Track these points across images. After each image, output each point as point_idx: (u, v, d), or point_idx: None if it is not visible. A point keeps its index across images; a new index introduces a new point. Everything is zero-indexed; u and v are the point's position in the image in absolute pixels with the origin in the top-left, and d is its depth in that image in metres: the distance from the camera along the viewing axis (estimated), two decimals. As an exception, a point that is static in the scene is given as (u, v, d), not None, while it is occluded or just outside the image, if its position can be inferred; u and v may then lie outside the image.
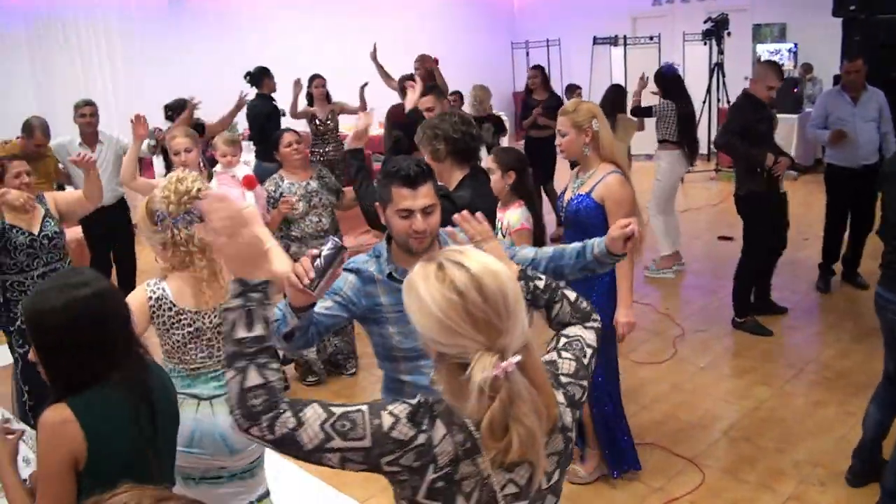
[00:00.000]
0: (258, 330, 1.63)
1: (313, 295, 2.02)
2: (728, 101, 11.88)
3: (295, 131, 5.41)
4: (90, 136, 6.52)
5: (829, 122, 6.45)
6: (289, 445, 1.57)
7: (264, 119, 8.21)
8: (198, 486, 3.04)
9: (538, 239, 3.96)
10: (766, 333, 5.91)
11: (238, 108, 7.58)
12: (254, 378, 1.58)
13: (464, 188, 3.52)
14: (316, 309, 2.37)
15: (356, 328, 5.51)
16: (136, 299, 2.88)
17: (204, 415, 2.97)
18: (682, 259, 7.60)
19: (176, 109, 7.05)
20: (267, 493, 3.29)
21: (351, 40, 12.15)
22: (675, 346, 5.82)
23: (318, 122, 8.29)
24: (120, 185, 6.03)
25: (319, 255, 2.01)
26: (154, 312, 2.92)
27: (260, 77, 8.25)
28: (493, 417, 1.48)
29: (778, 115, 6.15)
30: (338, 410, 1.58)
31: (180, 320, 2.94)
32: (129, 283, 7.16)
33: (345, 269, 2.59)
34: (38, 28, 10.62)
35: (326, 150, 8.18)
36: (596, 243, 2.58)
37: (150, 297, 2.91)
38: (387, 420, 1.57)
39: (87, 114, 6.54)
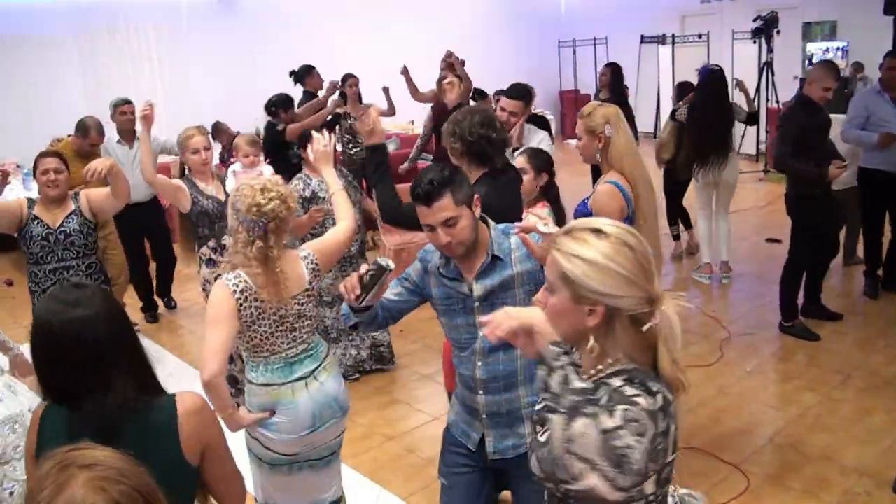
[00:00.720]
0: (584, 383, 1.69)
1: (360, 307, 2.32)
2: (777, 101, 11.73)
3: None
4: (129, 133, 6.67)
5: (870, 124, 6.24)
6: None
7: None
8: (291, 472, 3.16)
9: None
10: (814, 338, 5.83)
11: (325, 103, 7.62)
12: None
13: (479, 186, 3.45)
14: (387, 294, 2.73)
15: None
16: (222, 298, 2.93)
17: (314, 389, 3.09)
18: (721, 270, 7.41)
19: (279, 105, 7.14)
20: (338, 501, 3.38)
21: (398, 42, 12.22)
22: (721, 350, 5.77)
23: (350, 121, 8.29)
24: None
25: (366, 274, 2.35)
26: (241, 305, 2.94)
27: (304, 74, 8.30)
28: (668, 361, 1.62)
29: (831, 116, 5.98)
30: (609, 424, 1.55)
31: (265, 311, 2.99)
32: (167, 276, 7.41)
33: (420, 256, 2.84)
34: (88, 27, 10.79)
35: (357, 150, 8.17)
36: None
37: (235, 291, 2.94)
38: (642, 402, 1.57)
39: (126, 112, 6.71)
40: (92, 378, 1.89)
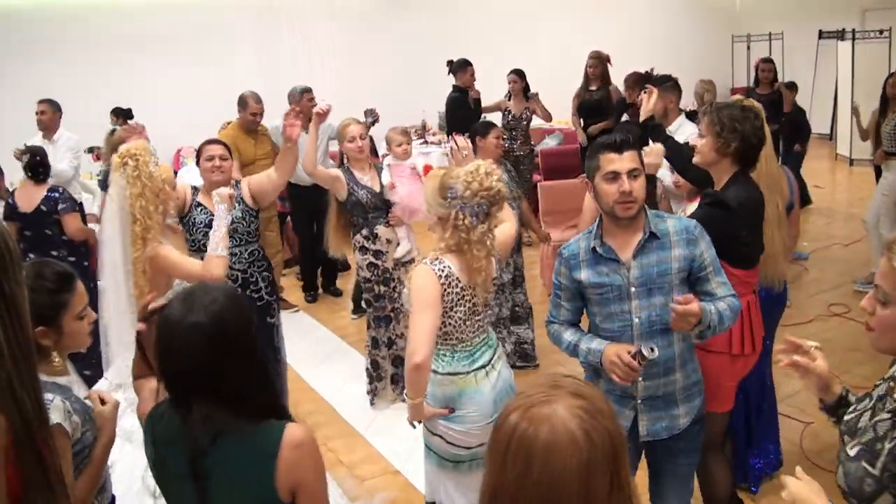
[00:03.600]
0: None
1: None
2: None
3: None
4: (304, 120, 6.93)
5: None
6: None
7: (454, 109, 8.51)
8: (472, 470, 3.23)
9: None
10: None
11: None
12: None
13: (732, 187, 3.37)
14: (563, 313, 3.03)
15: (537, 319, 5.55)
16: (429, 283, 3.01)
17: (494, 377, 3.18)
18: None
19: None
20: None
21: (564, 37, 12.14)
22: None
23: (510, 116, 8.29)
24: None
25: (640, 362, 2.65)
26: (445, 290, 3.03)
27: (458, 68, 8.41)
28: None
29: None
30: None
31: (463, 296, 3.09)
32: (332, 268, 7.77)
33: (558, 262, 2.98)
34: (263, 16, 11.17)
35: (514, 145, 8.16)
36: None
37: (440, 276, 3.03)
38: None
39: (312, 99, 7.04)
40: (190, 387, 1.89)
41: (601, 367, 2.79)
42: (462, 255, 3.05)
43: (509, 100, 8.37)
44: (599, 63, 8.12)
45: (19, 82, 9.28)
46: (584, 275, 2.87)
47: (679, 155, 3.99)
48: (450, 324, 3.10)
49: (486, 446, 3.07)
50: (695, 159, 3.49)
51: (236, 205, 4.47)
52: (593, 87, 8.15)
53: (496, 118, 7.63)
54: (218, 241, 3.58)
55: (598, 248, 2.84)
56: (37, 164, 5.56)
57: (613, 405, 2.75)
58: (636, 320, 2.82)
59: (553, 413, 1.35)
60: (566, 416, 1.35)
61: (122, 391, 3.14)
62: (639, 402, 2.89)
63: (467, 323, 3.14)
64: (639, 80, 6.93)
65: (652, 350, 2.61)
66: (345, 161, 5.37)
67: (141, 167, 3.40)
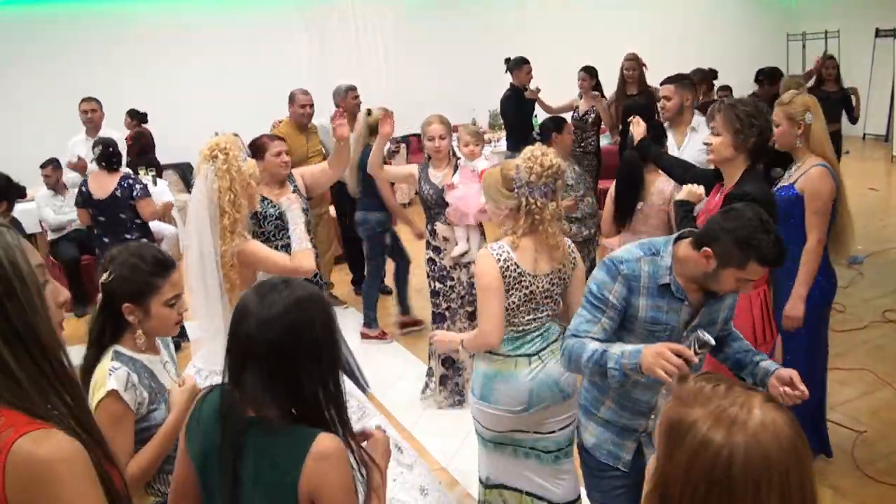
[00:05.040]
0: None
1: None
2: None
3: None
4: (351, 117, 7.01)
5: None
6: None
7: (509, 109, 8.51)
8: (517, 456, 3.36)
9: None
10: None
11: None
12: None
13: (749, 182, 3.46)
14: (597, 336, 2.65)
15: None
16: (490, 266, 3.15)
17: (536, 368, 3.21)
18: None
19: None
20: None
21: (617, 32, 12.06)
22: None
23: (576, 114, 8.24)
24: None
25: (697, 353, 2.40)
26: (503, 273, 3.16)
27: (515, 66, 8.37)
28: None
29: None
30: None
31: (521, 282, 3.18)
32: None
33: (609, 275, 2.66)
34: (315, 11, 11.28)
35: (581, 143, 8.12)
36: (766, 371, 2.67)
37: (499, 259, 3.16)
38: None
39: (357, 97, 7.17)
40: (244, 374, 1.88)
41: (638, 370, 2.46)
42: (537, 235, 3.17)
43: (580, 98, 8.30)
44: (637, 66, 7.86)
45: (55, 82, 9.54)
46: (643, 304, 2.64)
47: (675, 165, 4.13)
48: (505, 305, 3.22)
49: (526, 435, 3.17)
50: (709, 157, 3.58)
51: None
52: (633, 92, 7.85)
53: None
54: (301, 236, 3.68)
55: (672, 286, 2.62)
56: (110, 155, 6.17)
57: (615, 437, 2.81)
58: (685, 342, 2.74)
59: (765, 414, 1.32)
60: (768, 411, 1.32)
61: (209, 377, 3.25)
62: (643, 435, 2.84)
63: (521, 308, 3.22)
64: (702, 79, 6.94)
65: (709, 337, 2.42)
66: (427, 156, 5.38)
67: (231, 161, 3.45)
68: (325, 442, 1.85)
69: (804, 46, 15.53)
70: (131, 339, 2.46)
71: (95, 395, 2.32)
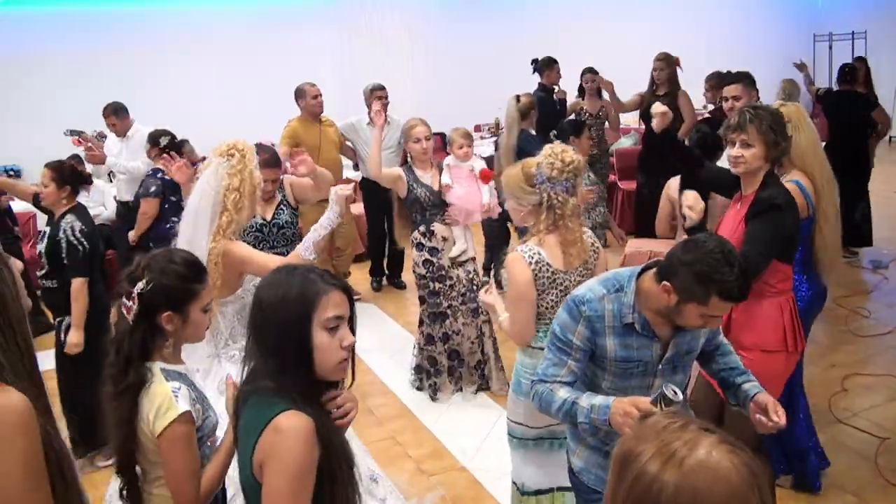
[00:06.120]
0: None
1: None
2: None
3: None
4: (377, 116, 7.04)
5: None
6: None
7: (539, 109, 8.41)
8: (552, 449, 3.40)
9: None
10: None
11: None
12: None
13: (772, 187, 3.41)
14: (563, 379, 2.56)
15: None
16: (521, 269, 3.19)
17: None
18: None
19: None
20: None
21: (643, 38, 11.99)
22: None
23: (586, 115, 8.13)
24: (399, 165, 6.39)
25: (660, 406, 2.20)
26: (536, 275, 3.20)
27: (544, 67, 8.33)
28: None
29: None
30: None
31: (555, 280, 3.22)
32: (398, 261, 7.94)
33: (571, 316, 2.56)
34: (341, 16, 11.27)
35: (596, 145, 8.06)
36: (747, 394, 2.63)
37: (530, 262, 3.19)
38: None
39: (382, 96, 7.13)
40: (254, 350, 1.99)
41: (607, 425, 2.38)
42: (559, 231, 3.21)
43: (583, 99, 8.31)
44: (666, 66, 7.53)
45: (77, 81, 9.63)
46: (610, 344, 2.53)
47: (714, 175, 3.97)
48: (542, 305, 3.27)
49: (563, 427, 3.17)
50: (738, 169, 3.43)
51: (284, 208, 4.53)
52: (661, 92, 7.56)
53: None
54: (311, 245, 3.59)
55: (636, 325, 2.50)
56: (176, 145, 6.11)
57: (601, 460, 2.69)
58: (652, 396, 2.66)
59: (707, 458, 1.26)
60: (721, 455, 1.26)
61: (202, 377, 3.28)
62: None
63: (559, 306, 3.18)
64: (722, 81, 6.82)
65: (675, 392, 2.19)
66: (409, 159, 5.48)
67: (246, 163, 3.48)
68: (288, 418, 1.86)
69: (831, 47, 15.40)
70: (163, 351, 2.36)
71: (162, 420, 2.23)
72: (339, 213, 3.63)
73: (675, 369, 2.61)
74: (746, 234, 3.30)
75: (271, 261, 3.42)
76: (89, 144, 6.96)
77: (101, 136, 7.69)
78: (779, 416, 2.46)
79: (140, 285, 2.28)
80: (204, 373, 3.40)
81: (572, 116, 7.62)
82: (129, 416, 2.26)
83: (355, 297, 2.12)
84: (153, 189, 6.04)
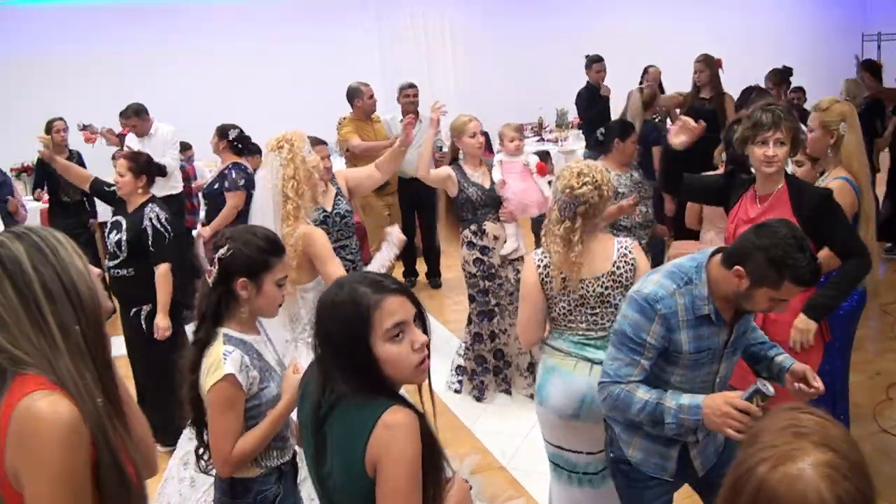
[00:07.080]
0: None
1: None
2: None
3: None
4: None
5: None
6: None
7: (581, 105, 8.60)
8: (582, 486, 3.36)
9: None
10: None
11: None
12: None
13: (797, 180, 3.51)
14: (635, 378, 2.59)
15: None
16: (529, 272, 3.28)
17: (595, 377, 2.94)
18: None
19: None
20: None
21: (690, 37, 11.88)
22: None
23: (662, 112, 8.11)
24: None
25: (756, 402, 2.30)
26: (543, 280, 3.22)
27: (592, 62, 8.43)
28: None
29: None
30: None
31: (566, 286, 3.21)
32: (434, 262, 8.03)
33: (644, 316, 2.56)
34: (385, 14, 11.29)
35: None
36: (781, 366, 2.68)
37: (539, 266, 3.23)
38: None
39: (409, 95, 7.36)
40: (323, 355, 1.99)
41: (700, 425, 2.47)
42: (569, 244, 3.17)
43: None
44: (706, 67, 7.26)
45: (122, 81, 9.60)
46: (685, 338, 2.55)
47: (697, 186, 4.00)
48: (556, 310, 3.26)
49: (578, 457, 3.20)
50: (769, 170, 3.38)
51: (341, 199, 4.55)
52: (704, 95, 7.31)
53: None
54: (377, 269, 3.72)
55: (711, 315, 2.54)
56: (244, 139, 6.25)
57: (662, 448, 2.73)
58: (717, 380, 2.71)
59: (802, 474, 1.22)
60: (816, 478, 1.21)
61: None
62: (691, 439, 2.75)
63: (575, 314, 3.22)
64: (781, 80, 6.89)
65: (768, 387, 2.30)
66: (459, 158, 5.46)
67: (295, 151, 3.68)
68: (395, 413, 1.88)
69: (879, 47, 15.15)
70: (237, 319, 2.55)
71: (210, 378, 2.44)
72: (396, 255, 3.94)
73: (735, 351, 2.69)
74: (826, 229, 3.30)
75: (335, 271, 3.52)
76: (99, 135, 7.12)
77: (119, 135, 7.80)
78: (818, 382, 2.52)
79: (221, 251, 2.51)
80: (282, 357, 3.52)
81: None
82: (192, 368, 2.51)
83: None
84: (242, 182, 6.04)
